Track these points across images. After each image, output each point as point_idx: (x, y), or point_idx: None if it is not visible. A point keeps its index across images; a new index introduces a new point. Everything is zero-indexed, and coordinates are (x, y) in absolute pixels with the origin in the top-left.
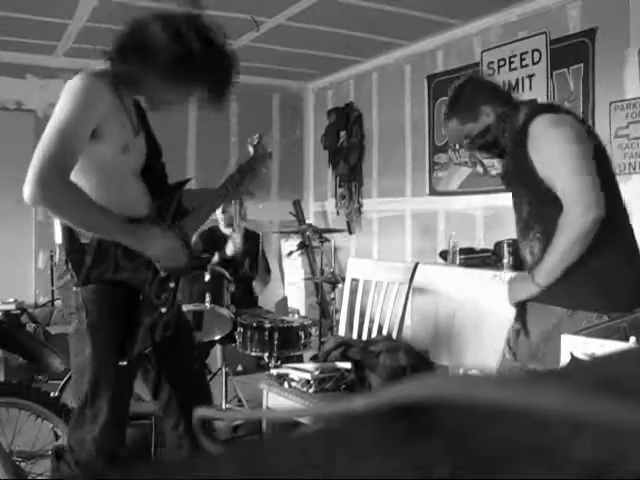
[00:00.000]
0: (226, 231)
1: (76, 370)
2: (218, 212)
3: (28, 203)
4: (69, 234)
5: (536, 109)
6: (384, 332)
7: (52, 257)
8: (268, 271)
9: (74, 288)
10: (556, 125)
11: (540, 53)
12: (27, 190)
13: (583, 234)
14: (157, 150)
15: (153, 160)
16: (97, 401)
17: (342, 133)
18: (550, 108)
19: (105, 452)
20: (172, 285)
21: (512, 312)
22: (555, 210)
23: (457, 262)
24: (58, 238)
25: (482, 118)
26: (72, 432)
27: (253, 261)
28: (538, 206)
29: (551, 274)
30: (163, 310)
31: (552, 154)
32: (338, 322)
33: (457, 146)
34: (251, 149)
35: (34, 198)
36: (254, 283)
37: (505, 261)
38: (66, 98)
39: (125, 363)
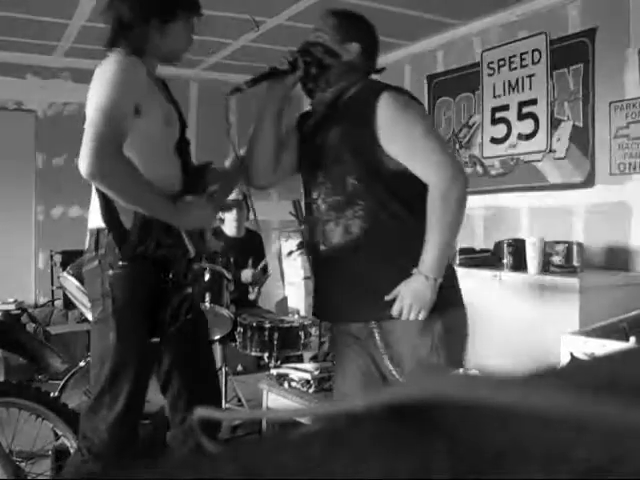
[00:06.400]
0: (228, 231)
1: (98, 357)
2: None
3: (85, 177)
4: (112, 215)
5: (381, 85)
6: None
7: (52, 257)
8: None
9: (109, 271)
10: (407, 103)
11: (540, 53)
12: (84, 164)
13: (461, 199)
14: (184, 124)
15: (182, 133)
16: (116, 388)
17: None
18: (392, 87)
19: (118, 441)
20: (197, 267)
21: (513, 313)
22: (383, 190)
23: (457, 262)
24: (93, 223)
25: (347, 47)
26: (86, 419)
27: (256, 262)
28: (367, 182)
29: (442, 259)
30: (189, 290)
31: (410, 131)
32: None
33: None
34: None
35: (92, 172)
36: (243, 273)
37: (505, 261)
38: (103, 79)
39: (158, 340)
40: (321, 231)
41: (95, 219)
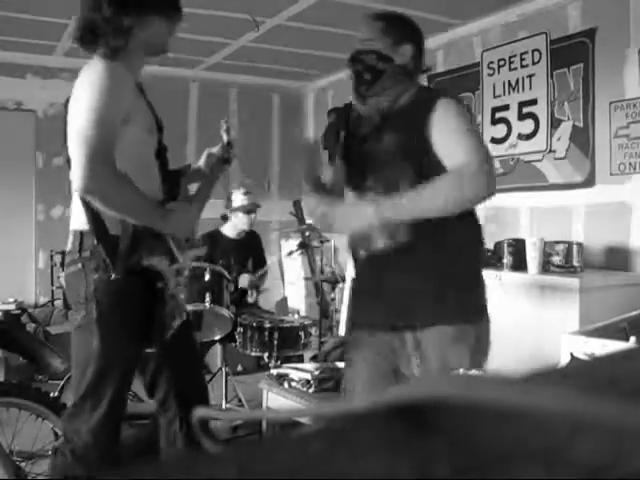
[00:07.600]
0: (228, 232)
1: (79, 363)
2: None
3: (80, 195)
4: (98, 223)
5: (436, 92)
6: None
7: (52, 257)
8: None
9: (112, 276)
10: (462, 110)
11: (540, 53)
12: (81, 182)
13: (474, 194)
14: (160, 127)
15: (160, 138)
16: (99, 393)
17: (342, 133)
18: (447, 93)
19: (101, 444)
20: (185, 274)
21: (513, 313)
22: None
23: None
24: (76, 224)
25: (399, 50)
26: (69, 421)
27: (256, 263)
28: (419, 184)
29: (406, 217)
30: (180, 298)
31: (458, 127)
32: (338, 322)
33: None
34: (225, 136)
35: (87, 190)
36: (241, 278)
37: (505, 261)
38: (94, 86)
39: (153, 350)
40: (366, 235)
41: (78, 220)
